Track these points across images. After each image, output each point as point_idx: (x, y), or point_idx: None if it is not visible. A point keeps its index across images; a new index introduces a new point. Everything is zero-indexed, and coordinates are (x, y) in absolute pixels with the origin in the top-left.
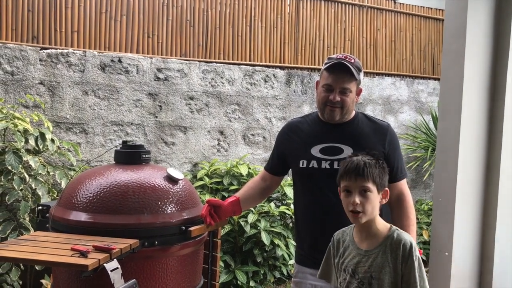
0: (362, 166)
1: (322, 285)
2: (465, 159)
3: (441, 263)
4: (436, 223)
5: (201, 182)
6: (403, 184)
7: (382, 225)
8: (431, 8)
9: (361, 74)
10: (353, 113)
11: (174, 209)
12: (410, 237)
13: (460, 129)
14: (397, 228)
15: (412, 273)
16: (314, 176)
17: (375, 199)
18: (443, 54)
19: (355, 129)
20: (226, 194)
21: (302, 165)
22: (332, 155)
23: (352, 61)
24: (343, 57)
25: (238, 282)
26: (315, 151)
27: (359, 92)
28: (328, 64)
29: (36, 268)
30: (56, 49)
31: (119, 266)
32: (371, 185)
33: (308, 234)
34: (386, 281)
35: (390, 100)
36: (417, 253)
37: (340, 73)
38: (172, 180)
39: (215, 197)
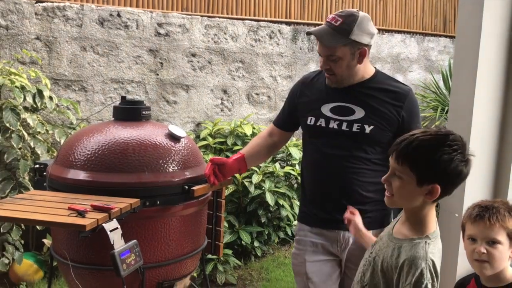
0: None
1: (323, 243)
2: (479, 118)
3: (450, 225)
4: None
5: (205, 142)
6: None
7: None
8: None
9: (356, 35)
10: (371, 71)
11: (176, 168)
12: (424, 255)
13: (475, 87)
14: (429, 237)
15: None
16: (320, 134)
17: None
18: (460, 5)
19: (370, 91)
20: (229, 154)
21: (310, 122)
22: (342, 116)
23: (337, 23)
24: (329, 20)
25: (242, 242)
26: (326, 109)
27: (362, 52)
28: (309, 31)
29: (38, 228)
30: (52, 2)
31: (118, 226)
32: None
33: (310, 191)
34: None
35: (399, 58)
36: (420, 284)
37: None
38: (174, 137)
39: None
